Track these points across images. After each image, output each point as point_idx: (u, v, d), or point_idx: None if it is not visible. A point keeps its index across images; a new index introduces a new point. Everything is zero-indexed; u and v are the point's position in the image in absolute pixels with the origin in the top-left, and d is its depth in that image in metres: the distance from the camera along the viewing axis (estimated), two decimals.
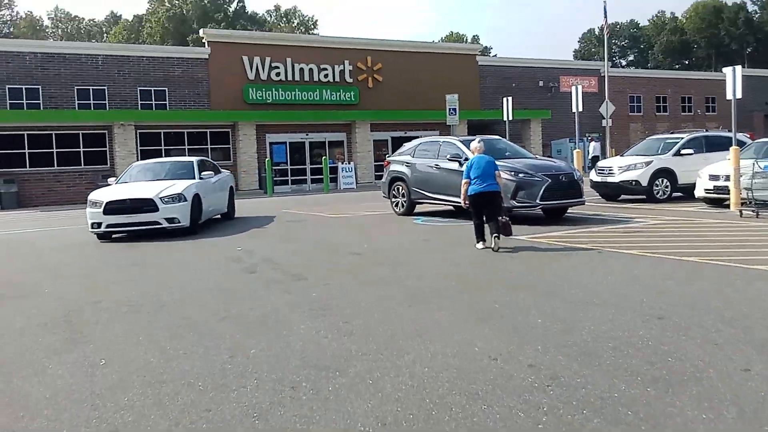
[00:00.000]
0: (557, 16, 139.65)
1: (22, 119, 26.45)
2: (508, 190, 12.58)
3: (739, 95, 15.00)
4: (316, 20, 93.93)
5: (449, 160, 14.03)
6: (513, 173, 12.77)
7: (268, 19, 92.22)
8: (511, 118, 26.51)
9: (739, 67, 15.28)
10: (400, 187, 15.74)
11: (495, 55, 70.99)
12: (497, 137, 16.16)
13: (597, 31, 33.32)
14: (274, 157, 30.77)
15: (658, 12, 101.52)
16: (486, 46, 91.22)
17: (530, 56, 43.08)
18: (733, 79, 14.93)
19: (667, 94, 43.37)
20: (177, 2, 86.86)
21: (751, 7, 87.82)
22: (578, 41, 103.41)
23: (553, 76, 39.65)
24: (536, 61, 40.81)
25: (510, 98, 26.72)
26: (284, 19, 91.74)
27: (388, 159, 17.02)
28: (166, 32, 78.95)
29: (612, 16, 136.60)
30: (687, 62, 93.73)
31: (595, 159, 30.76)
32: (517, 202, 12.75)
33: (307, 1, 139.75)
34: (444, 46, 36.35)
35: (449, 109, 25.70)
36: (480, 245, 10.07)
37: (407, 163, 15.60)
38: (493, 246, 9.79)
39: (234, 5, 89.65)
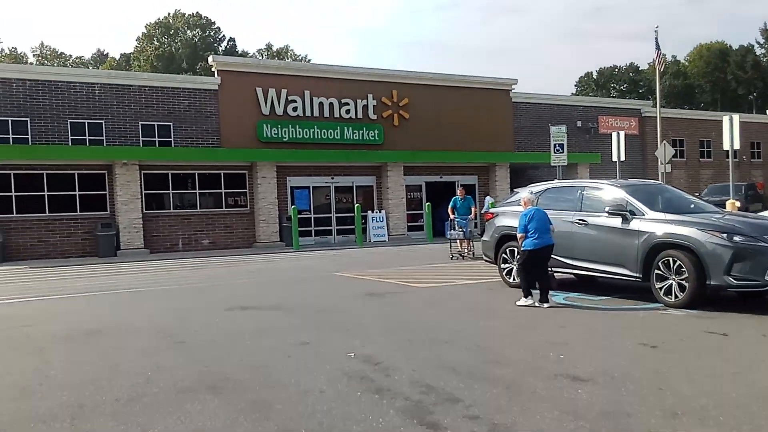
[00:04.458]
0: (554, 60, 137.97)
1: (7, 156, 22.33)
2: (719, 261, 8.80)
3: (737, 145, 14.72)
4: (310, 59, 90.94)
5: (610, 214, 10.22)
6: (726, 235, 8.97)
7: (260, 58, 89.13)
8: (623, 158, 23.05)
9: (737, 116, 15.43)
10: (516, 249, 11.86)
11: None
12: (657, 182, 12.38)
13: (655, 62, 29.33)
14: (296, 204, 26.81)
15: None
16: None
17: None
18: (731, 128, 14.85)
19: (711, 137, 40.13)
20: (166, 40, 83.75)
21: (759, 50, 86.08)
22: (575, 85, 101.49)
23: (591, 115, 36.33)
24: (573, 99, 37.70)
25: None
26: (276, 57, 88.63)
27: (491, 210, 13.22)
28: (154, 71, 75.43)
29: (609, 59, 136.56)
30: (690, 107, 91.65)
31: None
32: (735, 279, 8.88)
33: (300, 38, 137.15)
34: (476, 79, 32.73)
35: (555, 145, 21.71)
36: (528, 301, 9.80)
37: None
38: (545, 303, 9.68)
39: (224, 44, 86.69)
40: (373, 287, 12.75)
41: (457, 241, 18.66)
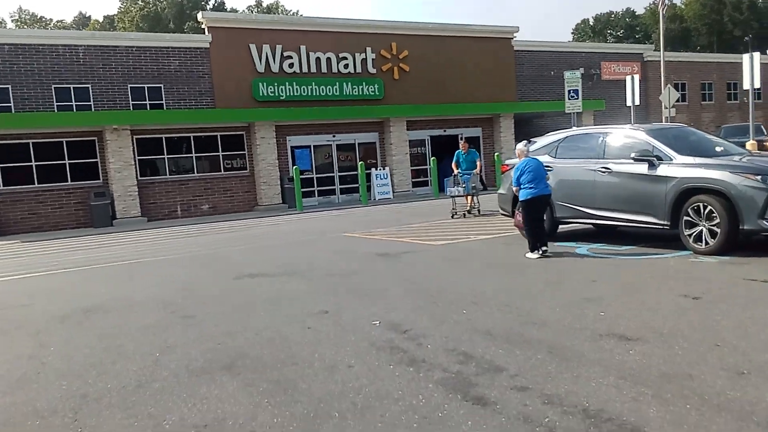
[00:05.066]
0: (552, 9, 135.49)
1: None
2: (754, 204, 8.29)
3: (757, 84, 14.41)
4: (301, 15, 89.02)
5: (635, 160, 9.64)
6: (760, 177, 8.42)
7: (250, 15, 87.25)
8: (637, 102, 22.45)
9: (757, 54, 14.59)
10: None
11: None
12: (682, 125, 11.75)
13: (658, 6, 28.42)
14: (298, 164, 26.14)
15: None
16: None
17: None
18: (751, 66, 14.29)
19: (712, 80, 39.29)
20: (151, 0, 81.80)
21: None
22: (571, 33, 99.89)
23: (593, 61, 35.46)
24: (575, 45, 36.80)
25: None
26: (267, 14, 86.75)
27: (508, 162, 12.62)
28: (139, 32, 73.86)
29: (607, 5, 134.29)
30: (685, 51, 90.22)
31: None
32: None
33: None
34: (477, 28, 31.70)
35: (569, 91, 20.91)
36: (536, 254, 9.56)
37: (546, 166, 11.13)
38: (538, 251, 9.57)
39: (212, 2, 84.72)
40: (384, 247, 12.22)
41: (465, 197, 17.45)
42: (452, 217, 16.75)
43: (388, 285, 8.47)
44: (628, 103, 23.88)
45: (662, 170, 9.32)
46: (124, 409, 4.67)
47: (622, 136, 10.35)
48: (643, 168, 9.56)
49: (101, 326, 7.28)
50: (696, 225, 8.98)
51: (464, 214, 16.90)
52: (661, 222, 9.38)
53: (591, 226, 11.51)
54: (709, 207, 8.77)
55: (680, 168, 9.16)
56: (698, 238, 8.96)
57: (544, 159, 11.31)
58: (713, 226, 8.75)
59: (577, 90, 21.12)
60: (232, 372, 5.28)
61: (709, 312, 6.06)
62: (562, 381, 4.53)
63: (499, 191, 12.57)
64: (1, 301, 9.39)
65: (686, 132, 10.59)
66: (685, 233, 9.12)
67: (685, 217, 9.07)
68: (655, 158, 9.44)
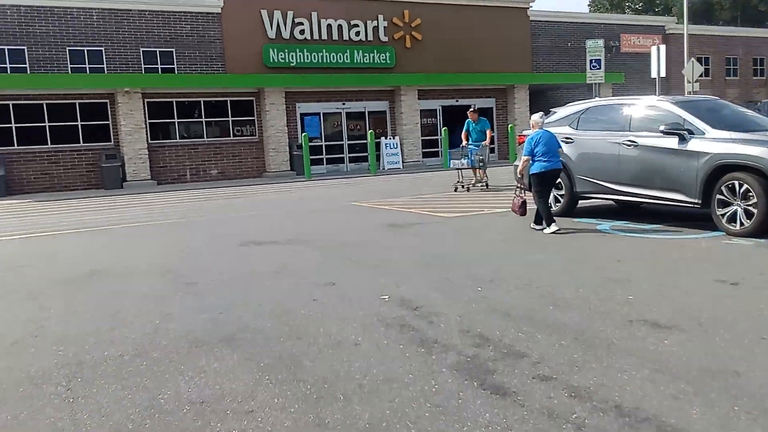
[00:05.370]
0: None
1: (5, 85, 21.36)
2: None
3: None
4: None
5: (664, 133, 9.15)
6: None
7: None
8: (663, 74, 21.79)
9: None
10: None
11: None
12: (715, 98, 11.18)
13: None
14: (307, 132, 25.70)
15: None
16: None
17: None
18: None
19: (738, 55, 38.33)
20: None
21: None
22: (588, 5, 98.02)
23: (612, 33, 34.62)
24: (593, 17, 36.02)
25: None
26: None
27: (525, 133, 12.14)
28: None
29: None
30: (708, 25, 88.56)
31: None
32: None
33: None
34: None
35: (591, 61, 20.29)
36: (552, 228, 9.28)
37: (567, 138, 10.72)
38: (541, 227, 9.47)
39: None
40: (394, 217, 11.84)
41: (472, 170, 16.51)
42: (455, 190, 15.82)
43: (397, 257, 8.10)
44: (653, 74, 23.10)
45: (694, 145, 8.81)
46: (119, 379, 4.36)
47: (649, 107, 9.84)
48: (672, 142, 9.06)
49: (102, 292, 6.98)
50: (730, 204, 8.48)
51: (468, 188, 15.87)
52: (692, 200, 8.90)
53: (612, 202, 11.08)
54: (746, 185, 8.26)
55: (714, 143, 8.65)
56: (732, 218, 8.48)
57: (565, 130, 10.88)
58: (749, 206, 8.25)
59: (600, 60, 20.49)
60: (233, 345, 4.95)
61: (751, 300, 5.62)
62: (590, 372, 4.14)
63: (515, 163, 12.12)
64: (5, 262, 9.11)
65: (719, 105, 10.04)
66: (718, 213, 8.64)
67: (718, 196, 8.58)
68: (686, 132, 8.94)
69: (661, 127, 9.14)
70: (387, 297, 6.11)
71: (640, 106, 9.97)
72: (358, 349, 4.73)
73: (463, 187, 15.91)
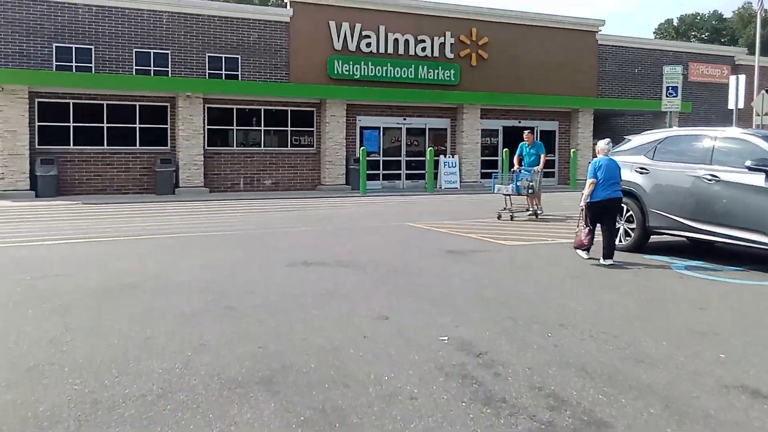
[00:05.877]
0: (634, 7, 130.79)
1: (69, 84, 21.43)
2: None
3: None
4: None
5: (750, 169, 8.37)
6: None
7: None
8: (741, 105, 21.25)
9: None
10: (626, 207, 10.15)
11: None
12: None
13: (757, 8, 26.33)
14: (365, 146, 25.30)
15: (745, 3, 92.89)
16: None
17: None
18: None
19: None
20: None
21: None
22: (653, 32, 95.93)
23: (680, 61, 33.28)
24: (662, 44, 34.84)
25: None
26: None
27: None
28: (224, 1, 74.26)
29: (693, 6, 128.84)
30: None
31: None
32: None
33: None
34: (561, 19, 30.24)
35: (667, 87, 19.45)
36: (584, 255, 9.31)
37: (642, 168, 9.99)
38: (608, 260, 8.98)
39: None
40: (452, 242, 11.23)
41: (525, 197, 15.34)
42: (498, 218, 14.69)
43: (455, 290, 7.50)
44: (730, 105, 22.08)
45: None
46: (135, 428, 3.84)
47: (732, 140, 9.10)
48: (759, 179, 8.32)
49: (136, 309, 6.54)
50: None
51: (511, 217, 14.61)
52: None
53: (684, 239, 10.28)
54: None
55: None
56: None
57: (640, 160, 10.18)
58: None
59: (677, 87, 19.49)
60: (271, 389, 4.41)
61: None
62: None
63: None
64: (42, 268, 8.78)
65: None
66: None
67: None
68: None
69: (747, 163, 8.41)
70: (446, 338, 5.52)
71: (722, 139, 9.21)
72: (414, 404, 4.14)
73: (503, 214, 14.82)
